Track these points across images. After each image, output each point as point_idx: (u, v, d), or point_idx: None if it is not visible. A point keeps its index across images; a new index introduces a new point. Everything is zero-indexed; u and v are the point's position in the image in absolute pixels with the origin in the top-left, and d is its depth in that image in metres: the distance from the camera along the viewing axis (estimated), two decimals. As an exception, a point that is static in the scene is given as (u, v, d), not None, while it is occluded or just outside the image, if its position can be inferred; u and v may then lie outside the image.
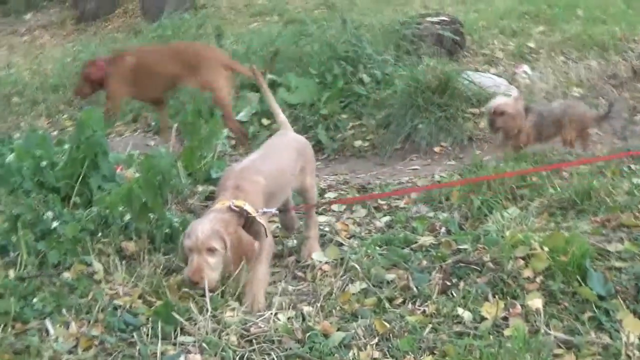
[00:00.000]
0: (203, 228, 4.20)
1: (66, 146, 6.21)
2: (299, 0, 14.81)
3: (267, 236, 4.40)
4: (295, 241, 5.09)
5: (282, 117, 5.33)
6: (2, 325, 4.11)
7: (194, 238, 4.18)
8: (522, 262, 4.23)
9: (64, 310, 4.27)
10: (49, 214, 5.05)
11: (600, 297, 3.95)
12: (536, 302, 3.93)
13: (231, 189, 4.39)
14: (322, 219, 5.49)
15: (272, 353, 3.77)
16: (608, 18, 10.91)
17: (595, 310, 3.85)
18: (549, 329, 3.75)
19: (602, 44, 9.69)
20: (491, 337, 3.71)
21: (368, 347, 3.77)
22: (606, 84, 8.40)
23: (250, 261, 4.27)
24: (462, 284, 4.22)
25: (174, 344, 3.93)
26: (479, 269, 4.34)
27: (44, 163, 5.74)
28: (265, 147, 4.97)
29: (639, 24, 10.46)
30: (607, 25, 10.46)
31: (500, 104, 6.49)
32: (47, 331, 4.12)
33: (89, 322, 4.17)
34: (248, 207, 4.31)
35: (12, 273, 4.62)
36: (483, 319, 3.91)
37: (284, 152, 4.87)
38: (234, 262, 4.20)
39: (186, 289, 4.28)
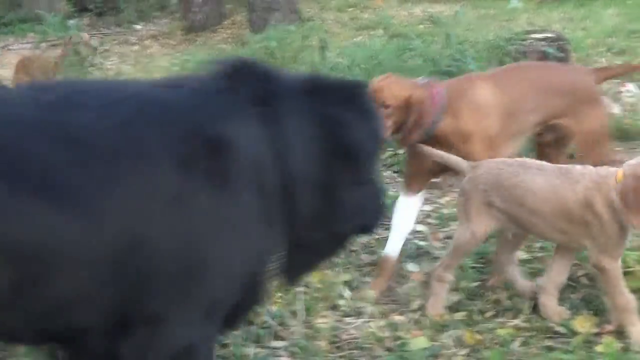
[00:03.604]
0: None
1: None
2: (404, 15, 14.85)
3: None
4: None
5: None
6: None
7: None
8: (617, 279, 4.19)
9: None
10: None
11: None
12: (630, 320, 3.89)
13: None
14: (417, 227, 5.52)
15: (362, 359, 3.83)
16: None
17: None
18: (642, 348, 3.72)
19: None
20: (582, 352, 3.70)
21: (457, 357, 3.79)
22: None
23: None
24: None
25: (267, 347, 4.01)
26: (573, 284, 4.32)
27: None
28: None
29: None
30: None
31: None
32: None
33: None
34: None
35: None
36: (575, 334, 3.89)
37: None
38: None
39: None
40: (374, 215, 3.32)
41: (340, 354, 3.88)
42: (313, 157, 2.96)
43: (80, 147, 2.57)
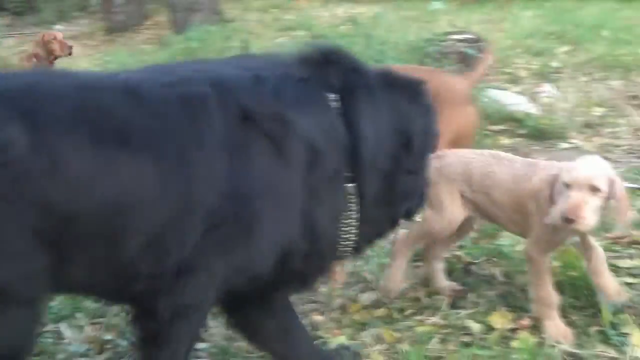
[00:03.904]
0: (589, 164, 3.70)
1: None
2: (326, 16, 14.92)
3: None
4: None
5: None
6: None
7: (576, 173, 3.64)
8: (532, 276, 4.27)
9: (78, 315, 4.34)
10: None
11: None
12: (545, 315, 3.96)
13: None
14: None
15: None
16: (633, 39, 10.89)
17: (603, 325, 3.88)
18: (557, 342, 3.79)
19: (626, 64, 9.66)
20: (498, 347, 3.76)
21: (375, 354, 3.82)
22: (628, 104, 8.35)
23: None
24: (472, 296, 4.26)
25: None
26: (489, 281, 4.39)
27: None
28: None
29: (665, 46, 10.44)
30: (632, 47, 10.43)
31: None
32: (61, 335, 4.20)
33: (103, 326, 4.24)
34: None
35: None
36: (491, 330, 3.95)
37: None
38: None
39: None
40: (418, 202, 3.52)
41: (260, 354, 3.87)
42: (382, 147, 3.14)
43: (153, 111, 2.72)
